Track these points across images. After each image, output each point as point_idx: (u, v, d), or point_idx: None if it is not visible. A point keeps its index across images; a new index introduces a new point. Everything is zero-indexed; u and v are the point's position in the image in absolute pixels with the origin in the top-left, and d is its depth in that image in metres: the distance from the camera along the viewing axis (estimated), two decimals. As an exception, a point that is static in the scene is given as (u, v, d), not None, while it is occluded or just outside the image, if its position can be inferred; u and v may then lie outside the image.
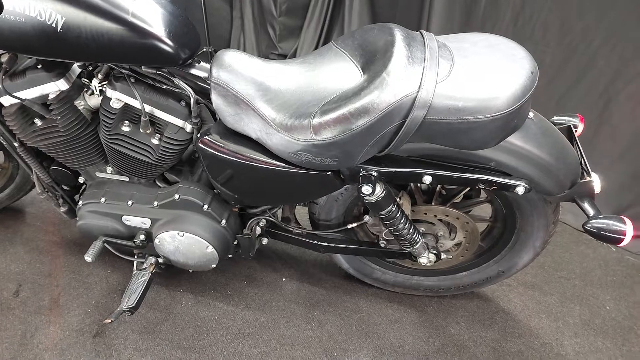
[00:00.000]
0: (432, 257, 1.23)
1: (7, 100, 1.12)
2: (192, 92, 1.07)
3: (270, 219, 1.30)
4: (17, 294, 1.44)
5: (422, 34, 0.98)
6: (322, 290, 1.52)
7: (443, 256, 1.25)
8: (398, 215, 1.09)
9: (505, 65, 0.87)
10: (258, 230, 1.33)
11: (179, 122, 1.13)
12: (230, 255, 1.37)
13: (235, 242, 1.32)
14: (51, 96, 1.08)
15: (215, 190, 1.27)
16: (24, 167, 1.34)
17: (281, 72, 1.04)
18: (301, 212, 1.45)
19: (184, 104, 1.12)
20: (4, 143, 1.25)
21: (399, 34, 0.95)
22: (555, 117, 1.17)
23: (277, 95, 0.99)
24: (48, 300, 1.43)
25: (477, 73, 0.86)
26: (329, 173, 1.03)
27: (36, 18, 0.88)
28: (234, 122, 1.04)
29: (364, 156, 0.95)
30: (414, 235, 1.16)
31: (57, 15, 0.88)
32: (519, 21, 2.27)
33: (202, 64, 1.09)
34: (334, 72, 1.02)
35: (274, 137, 0.97)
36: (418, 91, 0.85)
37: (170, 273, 1.52)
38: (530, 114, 0.99)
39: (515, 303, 1.49)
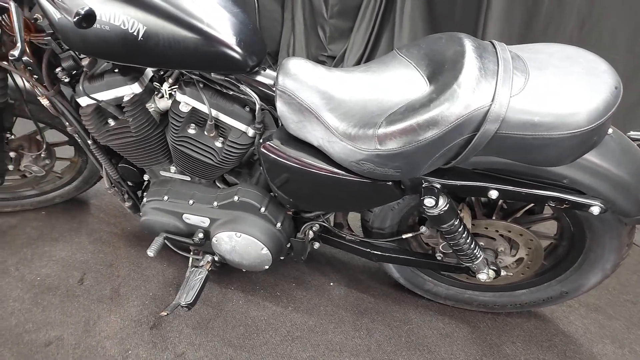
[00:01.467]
0: (492, 274, 1.19)
1: (84, 101, 1.18)
2: (257, 98, 1.09)
3: (324, 224, 1.31)
4: (81, 281, 1.53)
5: (493, 44, 0.95)
6: (370, 297, 1.51)
7: (503, 273, 1.22)
8: (460, 229, 1.07)
9: (586, 79, 0.83)
10: (310, 234, 1.35)
11: (242, 126, 1.16)
12: (282, 258, 1.39)
13: (288, 245, 1.34)
14: (125, 99, 1.14)
15: (271, 193, 1.29)
16: (94, 163, 1.41)
17: (345, 81, 1.05)
18: (353, 218, 1.45)
19: (248, 109, 1.15)
20: (79, 140, 1.32)
21: (469, 44, 0.93)
22: (631, 133, 1.11)
23: (340, 103, 1.00)
24: (109, 290, 1.50)
25: (554, 87, 0.83)
26: (390, 183, 1.03)
27: (120, 27, 0.93)
28: (297, 129, 1.06)
29: (428, 168, 0.94)
30: (475, 251, 1.13)
31: (139, 24, 0.93)
32: (585, 25, 2.16)
33: (268, 71, 1.11)
34: (398, 81, 1.01)
35: (336, 145, 0.98)
36: (491, 104, 0.83)
37: (222, 271, 1.56)
38: (609, 130, 0.94)
39: (577, 326, 1.42)
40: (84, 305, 1.44)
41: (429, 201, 1.00)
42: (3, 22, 1.07)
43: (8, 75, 1.24)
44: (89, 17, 0.73)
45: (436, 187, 1.02)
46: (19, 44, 0.82)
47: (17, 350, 1.28)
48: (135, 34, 0.94)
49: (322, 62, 3.48)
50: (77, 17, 0.73)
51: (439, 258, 1.26)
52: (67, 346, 1.30)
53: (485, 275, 1.19)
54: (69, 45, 1.04)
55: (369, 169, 0.96)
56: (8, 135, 1.44)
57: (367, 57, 3.33)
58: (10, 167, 1.51)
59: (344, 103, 1.00)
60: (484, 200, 1.23)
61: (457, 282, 1.39)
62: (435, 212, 1.02)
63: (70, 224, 1.80)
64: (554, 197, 0.96)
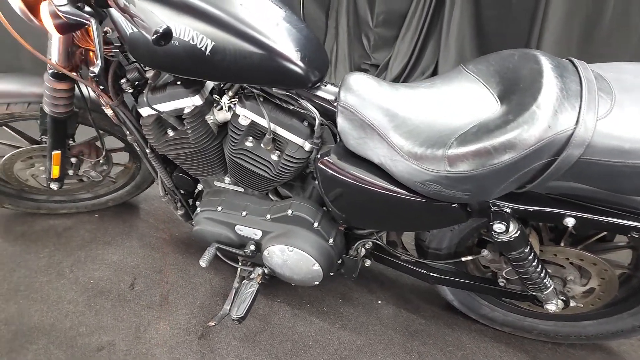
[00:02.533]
0: (560, 304, 1.12)
1: (146, 111, 1.21)
2: (317, 113, 1.07)
3: (377, 242, 1.28)
4: (132, 286, 1.56)
5: (573, 63, 0.90)
6: (421, 319, 1.46)
7: (572, 303, 1.14)
8: (530, 257, 1.01)
9: (683, 103, 0.77)
10: (363, 251, 1.32)
11: (299, 140, 1.15)
12: (332, 274, 1.36)
13: (339, 261, 1.32)
14: (186, 110, 1.15)
15: (324, 208, 1.27)
16: (150, 171, 1.44)
17: (409, 97, 1.02)
18: (407, 236, 1.40)
19: (306, 123, 1.13)
20: (137, 149, 1.35)
21: (546, 62, 0.88)
22: None
23: (405, 121, 0.97)
24: (159, 297, 1.52)
25: (646, 111, 0.77)
26: (455, 205, 0.99)
27: (189, 42, 0.94)
28: (358, 146, 1.03)
29: (499, 192, 0.89)
30: (545, 280, 1.06)
31: (208, 39, 0.93)
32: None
33: (329, 86, 1.10)
34: (467, 99, 0.97)
35: (400, 164, 0.95)
36: (575, 128, 0.78)
37: (269, 282, 1.55)
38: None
39: (646, 362, 1.32)
40: (134, 310, 1.46)
41: (498, 227, 0.95)
42: (75, 36, 1.10)
43: (75, 85, 1.28)
44: (166, 36, 0.74)
45: (506, 212, 0.97)
46: (98, 61, 0.83)
47: (71, 353, 1.31)
48: (203, 49, 0.95)
49: (365, 70, 3.46)
50: (155, 35, 0.73)
51: (501, 284, 1.20)
52: (119, 352, 1.32)
53: (554, 306, 1.12)
54: (136, 58, 1.06)
55: (435, 191, 0.92)
56: (70, 142, 1.49)
57: (412, 65, 3.29)
58: (70, 172, 1.56)
59: (409, 120, 0.96)
60: (551, 225, 1.16)
61: (516, 309, 1.32)
62: (505, 238, 0.97)
63: (121, 227, 1.84)
64: (639, 228, 0.89)
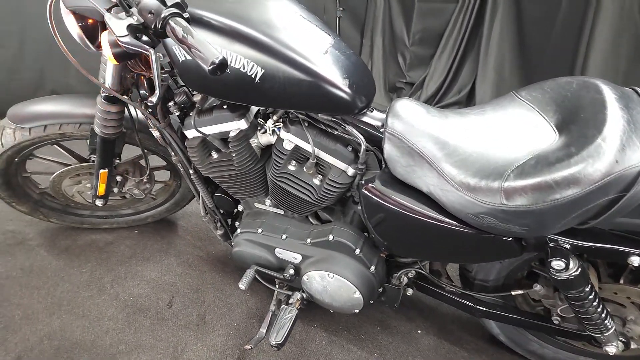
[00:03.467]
0: (620, 346, 1.05)
1: (191, 134, 1.22)
2: (363, 139, 1.06)
3: (421, 271, 1.24)
4: (170, 305, 1.57)
5: (638, 92, 0.85)
6: (464, 352, 1.40)
7: (633, 345, 1.07)
8: (591, 297, 0.95)
9: None
10: (405, 280, 1.28)
11: (343, 165, 1.13)
12: (372, 302, 1.33)
13: (380, 289, 1.28)
14: (232, 134, 1.16)
15: (366, 234, 1.25)
16: (192, 191, 1.46)
17: (459, 125, 0.99)
18: (451, 265, 1.36)
19: (350, 148, 1.12)
20: (181, 169, 1.37)
21: (609, 91, 0.84)
22: None
23: (456, 150, 0.94)
24: (196, 316, 1.52)
25: None
26: (509, 238, 0.94)
27: (239, 69, 0.95)
28: (405, 174, 1.01)
29: (560, 227, 0.84)
30: (606, 321, 1.00)
31: (258, 67, 0.94)
32: None
33: (375, 112, 1.08)
34: (521, 127, 0.94)
35: (451, 194, 0.91)
36: (645, 163, 0.73)
37: (306, 307, 1.53)
38: None
39: None
40: (172, 330, 1.47)
41: (557, 264, 0.90)
42: (128, 62, 1.14)
43: (125, 107, 1.31)
44: (222, 66, 0.74)
45: (565, 248, 0.92)
46: (156, 91, 0.85)
47: (111, 370, 1.33)
48: (253, 76, 0.95)
49: (400, 89, 3.44)
50: (212, 66, 0.74)
51: (555, 322, 1.14)
52: (157, 371, 1.33)
53: (614, 348, 1.05)
54: (186, 84, 1.08)
55: (489, 224, 0.88)
56: (116, 160, 1.53)
57: (448, 84, 3.25)
58: (115, 190, 1.60)
59: (460, 149, 0.94)
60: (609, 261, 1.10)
61: (569, 347, 1.25)
62: (564, 276, 0.92)
63: (160, 244, 1.87)
64: None
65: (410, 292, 1.31)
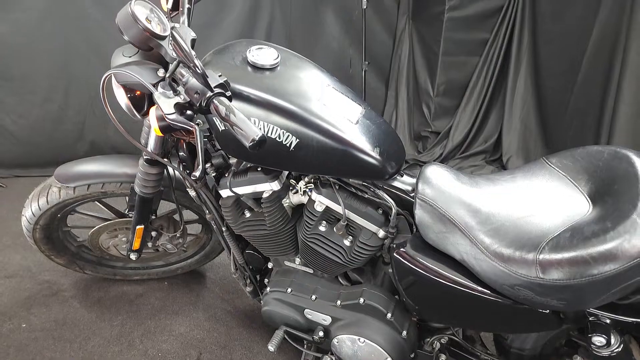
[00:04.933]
0: None
1: (226, 193, 1.27)
2: (393, 204, 1.08)
3: (454, 337, 1.21)
4: (198, 362, 1.57)
5: (671, 164, 0.85)
6: (501, 422, 1.33)
7: None
8: (634, 373, 0.92)
9: None
10: (437, 346, 1.25)
11: (373, 228, 1.15)
12: (403, 367, 1.30)
13: (412, 355, 1.25)
14: (265, 195, 1.20)
15: (397, 297, 1.24)
16: (223, 247, 1.49)
17: (491, 192, 1.00)
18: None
19: (380, 211, 1.14)
20: (214, 226, 1.41)
21: (642, 163, 0.84)
22: None
23: (489, 218, 0.94)
24: (223, 374, 1.51)
25: None
26: (547, 311, 0.92)
27: (275, 139, 1.00)
28: (437, 240, 1.02)
29: (600, 302, 0.83)
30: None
31: (293, 137, 0.99)
32: None
33: (405, 177, 1.11)
34: (554, 196, 0.94)
35: (485, 264, 0.91)
36: (684, 240, 0.72)
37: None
38: None
39: None
40: (199, 388, 1.46)
41: (598, 340, 0.88)
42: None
43: (165, 168, 1.38)
44: (261, 143, 0.79)
45: (605, 323, 0.89)
46: (200, 166, 0.90)
47: None
48: (288, 145, 1.00)
49: (425, 138, 3.47)
50: (252, 143, 0.78)
51: (599, 398, 1.09)
52: None
53: None
54: (223, 149, 1.14)
55: (525, 296, 0.87)
56: (152, 217, 1.59)
57: (474, 134, 3.26)
58: (149, 244, 1.65)
59: (492, 217, 0.94)
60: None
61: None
62: (606, 353, 0.89)
63: (188, 297, 1.89)
64: None
65: (443, 358, 1.27)
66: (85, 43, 2.47)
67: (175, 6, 1.13)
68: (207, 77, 0.86)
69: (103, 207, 1.65)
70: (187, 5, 1.11)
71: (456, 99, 3.31)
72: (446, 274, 1.00)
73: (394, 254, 1.07)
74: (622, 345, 0.88)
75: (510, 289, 0.88)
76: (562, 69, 2.70)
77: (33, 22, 2.35)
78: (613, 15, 2.31)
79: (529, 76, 2.99)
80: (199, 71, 0.85)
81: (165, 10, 1.12)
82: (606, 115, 2.44)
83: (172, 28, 0.93)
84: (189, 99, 0.89)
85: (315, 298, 1.29)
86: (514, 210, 0.94)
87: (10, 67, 2.43)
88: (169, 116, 0.88)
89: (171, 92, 0.93)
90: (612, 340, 0.87)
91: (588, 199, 0.89)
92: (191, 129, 0.88)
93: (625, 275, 0.75)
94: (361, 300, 1.21)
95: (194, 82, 0.87)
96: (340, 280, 1.33)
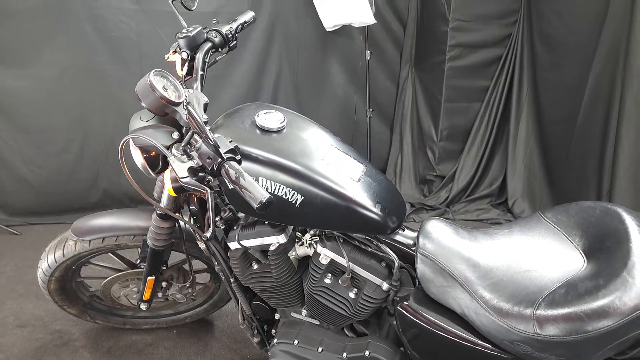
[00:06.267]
0: None
1: (234, 245, 1.31)
2: (396, 258, 1.12)
3: (460, 389, 1.21)
4: (205, 415, 1.56)
5: (660, 221, 0.89)
6: None
7: None
8: None
9: None
10: (443, 397, 1.25)
11: (377, 280, 1.18)
12: (410, 419, 1.29)
13: (418, 407, 1.25)
14: (272, 248, 1.24)
15: (401, 348, 1.25)
16: (231, 297, 1.52)
17: (489, 247, 1.04)
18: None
19: (384, 264, 1.18)
20: (222, 277, 1.45)
21: (632, 222, 0.88)
22: None
23: (487, 272, 0.98)
24: None
25: None
26: (548, 365, 0.94)
27: (282, 197, 1.06)
28: (439, 293, 1.05)
29: (598, 358, 0.84)
30: None
31: (298, 195, 1.05)
32: None
33: (407, 231, 1.15)
34: (550, 251, 0.98)
35: (485, 319, 0.94)
36: (674, 298, 0.75)
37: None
38: None
39: None
40: None
41: (599, 396, 0.89)
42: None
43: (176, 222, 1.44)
44: (269, 205, 0.85)
45: (606, 377, 0.90)
46: (211, 228, 0.96)
47: None
48: (293, 202, 1.06)
49: (430, 181, 3.51)
50: (259, 204, 0.84)
51: None
52: None
53: None
54: (233, 205, 1.20)
55: (525, 352, 0.89)
56: (163, 267, 1.63)
57: (479, 178, 3.30)
58: (159, 295, 1.69)
59: (491, 272, 0.98)
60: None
61: None
62: (608, 408, 0.89)
63: (196, 346, 1.89)
64: None
65: (449, 411, 1.27)
66: (101, 96, 2.59)
67: (190, 72, 1.23)
68: (219, 146, 0.92)
69: (116, 258, 1.70)
70: (200, 72, 1.20)
71: (460, 143, 3.37)
72: (448, 327, 1.02)
73: (398, 307, 1.10)
74: (623, 401, 0.88)
75: (510, 344, 0.90)
76: (562, 115, 2.77)
77: (52, 77, 2.48)
78: (607, 66, 2.40)
79: (530, 121, 3.06)
80: (210, 142, 0.92)
81: (180, 76, 1.22)
82: (607, 161, 2.48)
83: (188, 103, 1.01)
84: (201, 163, 0.96)
85: (322, 350, 1.31)
86: (511, 265, 0.97)
87: (31, 120, 2.55)
88: (182, 179, 0.95)
89: (185, 156, 0.99)
90: (613, 396, 0.88)
91: (582, 254, 0.93)
92: (203, 191, 0.94)
93: (620, 331, 0.78)
94: (367, 352, 1.22)
95: (206, 148, 0.94)
96: (346, 332, 1.35)
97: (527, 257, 0.98)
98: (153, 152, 1.17)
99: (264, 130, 1.13)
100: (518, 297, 0.89)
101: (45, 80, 2.49)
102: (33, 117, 2.55)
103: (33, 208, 2.70)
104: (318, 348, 1.31)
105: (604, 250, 0.87)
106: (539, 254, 0.98)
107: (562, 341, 0.81)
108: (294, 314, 1.42)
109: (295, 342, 1.34)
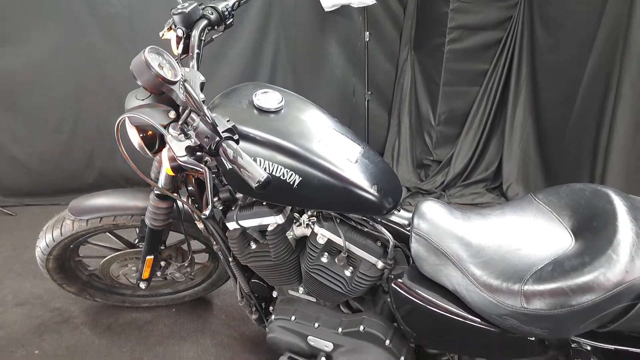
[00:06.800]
0: None
1: (232, 226, 1.34)
2: (391, 237, 1.15)
3: (450, 363, 1.26)
4: (205, 388, 1.61)
5: (647, 202, 0.92)
6: None
7: None
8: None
9: None
10: (434, 371, 1.30)
11: (372, 259, 1.21)
12: (402, 392, 1.34)
13: (410, 380, 1.30)
14: (270, 228, 1.27)
15: (395, 324, 1.29)
16: (230, 276, 1.55)
17: (481, 227, 1.06)
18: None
19: (379, 244, 1.21)
20: (221, 256, 1.48)
21: (620, 203, 0.91)
22: None
23: (479, 251, 1.01)
24: (228, 402, 1.55)
25: None
26: (532, 339, 0.98)
27: (279, 177, 1.08)
28: (432, 271, 1.08)
29: (580, 330, 0.88)
30: None
31: (296, 175, 1.07)
32: None
33: (402, 212, 1.18)
34: (539, 231, 1.01)
35: (475, 294, 0.97)
36: (655, 275, 0.78)
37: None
38: None
39: None
40: (205, 415, 1.50)
41: (581, 366, 0.93)
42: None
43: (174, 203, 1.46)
44: (267, 184, 0.86)
45: (586, 350, 0.94)
46: (210, 206, 0.98)
47: None
48: (291, 183, 1.08)
49: (427, 166, 3.53)
50: (257, 184, 0.86)
51: None
52: None
53: None
54: (231, 185, 1.22)
55: (512, 325, 0.92)
56: (161, 247, 1.66)
57: (475, 162, 3.32)
58: (158, 274, 1.72)
59: (482, 251, 1.01)
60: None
61: None
62: (588, 379, 0.94)
63: (196, 323, 1.93)
64: None
65: (440, 383, 1.32)
66: (93, 74, 2.55)
67: (186, 50, 1.21)
68: (216, 124, 0.93)
69: (114, 238, 1.72)
70: (196, 50, 1.18)
71: (457, 127, 3.38)
72: (440, 303, 1.06)
73: (392, 285, 1.13)
74: (603, 372, 0.93)
75: (499, 318, 0.93)
76: (560, 98, 2.78)
77: (42, 55, 2.43)
78: (607, 49, 2.40)
79: (528, 105, 3.06)
80: (208, 120, 0.93)
81: (176, 54, 1.21)
82: (601, 146, 2.50)
83: (185, 80, 1.01)
84: (199, 142, 0.97)
85: (318, 326, 1.34)
86: (502, 244, 1.00)
87: (22, 98, 2.50)
88: (180, 158, 0.96)
89: (182, 135, 1.00)
90: (593, 367, 0.93)
91: (571, 233, 0.95)
92: (201, 170, 0.96)
93: (602, 305, 0.81)
94: (361, 327, 1.26)
95: (203, 126, 0.95)
96: (342, 308, 1.39)
97: (518, 237, 1.01)
98: (150, 132, 1.18)
99: (261, 111, 1.14)
100: (507, 274, 0.92)
101: (35, 59, 2.43)
102: (23, 95, 2.49)
103: (27, 189, 2.68)
104: (314, 324, 1.35)
105: (592, 230, 0.89)
106: (529, 234, 1.00)
107: (547, 315, 0.85)
108: (291, 292, 1.45)
109: (293, 318, 1.38)
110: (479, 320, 1.00)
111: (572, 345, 0.95)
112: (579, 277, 0.82)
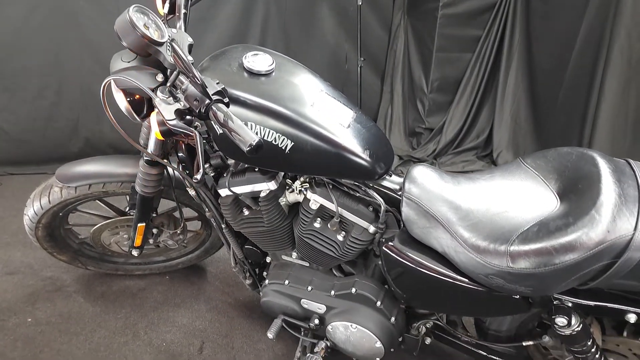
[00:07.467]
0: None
1: (225, 192, 1.34)
2: (382, 202, 1.16)
3: (438, 322, 1.30)
4: (200, 350, 1.65)
5: (630, 165, 0.94)
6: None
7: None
8: (593, 350, 1.01)
9: None
10: (423, 330, 1.34)
11: (364, 224, 1.23)
12: (392, 350, 1.38)
13: (400, 339, 1.34)
14: (262, 194, 1.27)
15: (386, 286, 1.32)
16: (223, 243, 1.56)
17: (471, 190, 1.08)
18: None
19: (371, 208, 1.22)
20: (214, 223, 1.48)
21: (604, 165, 0.92)
22: None
23: (468, 214, 1.03)
24: (225, 362, 1.60)
25: None
26: (517, 297, 1.01)
27: (272, 142, 1.07)
28: (421, 234, 1.10)
29: (562, 288, 0.92)
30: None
31: (288, 140, 1.07)
32: None
33: (394, 177, 1.19)
34: (526, 194, 1.03)
35: (463, 256, 1.00)
36: (634, 233, 0.81)
37: (329, 356, 1.59)
38: None
39: None
40: (202, 376, 1.54)
41: (560, 320, 0.97)
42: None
43: (165, 169, 1.45)
44: (258, 148, 0.86)
45: (567, 306, 0.98)
46: (201, 170, 0.98)
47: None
48: (283, 148, 1.08)
49: (419, 134, 3.53)
50: (249, 148, 0.86)
51: (566, 373, 1.19)
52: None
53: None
54: (222, 151, 1.21)
55: (498, 284, 0.96)
56: (153, 215, 1.66)
57: (467, 130, 3.33)
58: (150, 241, 1.73)
59: (471, 214, 1.02)
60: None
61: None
62: (567, 332, 0.98)
63: (190, 290, 1.97)
64: None
65: (428, 341, 1.37)
66: (76, 38, 2.45)
67: (172, 10, 1.16)
68: (206, 86, 0.92)
69: (104, 205, 1.71)
70: (183, 10, 1.14)
71: (449, 95, 3.37)
72: (430, 265, 1.08)
73: (383, 248, 1.15)
74: (581, 326, 0.97)
75: (485, 277, 0.96)
76: (552, 65, 2.77)
77: (18, 17, 2.31)
78: (599, 15, 2.39)
79: (520, 72, 3.05)
80: (197, 81, 0.91)
81: (162, 14, 1.17)
82: (590, 112, 2.52)
83: (172, 40, 0.98)
84: (188, 106, 0.95)
85: (311, 289, 1.37)
86: (490, 207, 1.02)
87: (0, 63, 2.40)
88: (169, 122, 0.94)
89: (171, 98, 0.98)
90: (573, 321, 0.97)
91: (557, 196, 0.97)
92: (191, 133, 0.95)
93: (584, 264, 0.84)
94: (353, 290, 1.29)
95: (193, 89, 0.93)
96: (334, 272, 1.41)
97: (506, 200, 1.03)
98: (137, 96, 1.14)
99: (252, 73, 1.12)
100: (494, 236, 0.95)
101: (14, 20, 2.32)
102: (2, 59, 2.38)
103: (12, 157, 2.61)
104: (308, 287, 1.38)
105: (577, 192, 0.92)
106: (516, 197, 1.02)
107: (532, 273, 0.88)
108: (284, 257, 1.48)
109: (286, 282, 1.41)
110: (466, 280, 1.04)
111: (555, 302, 0.99)
112: (563, 236, 0.85)
